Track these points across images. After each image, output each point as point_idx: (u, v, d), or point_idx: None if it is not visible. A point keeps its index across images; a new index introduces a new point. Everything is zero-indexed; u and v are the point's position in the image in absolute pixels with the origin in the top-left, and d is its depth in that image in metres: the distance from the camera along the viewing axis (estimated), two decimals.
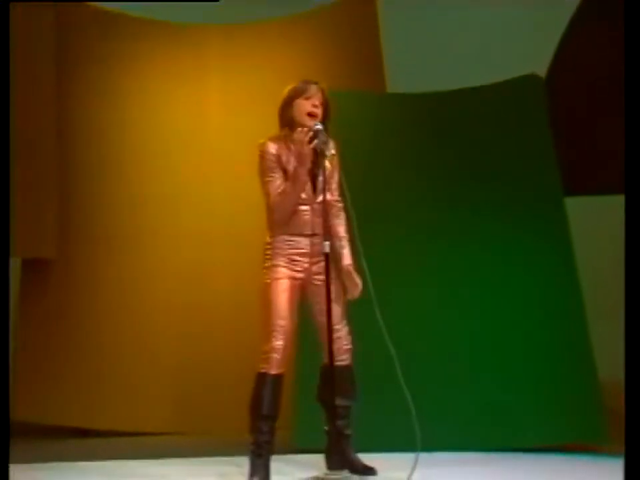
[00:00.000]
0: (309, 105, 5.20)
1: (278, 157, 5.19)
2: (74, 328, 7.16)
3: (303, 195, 5.20)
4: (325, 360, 5.28)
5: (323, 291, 5.13)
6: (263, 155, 5.21)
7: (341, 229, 5.31)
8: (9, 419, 3.94)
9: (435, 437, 5.45)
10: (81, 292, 7.23)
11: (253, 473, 5.12)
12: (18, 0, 6.08)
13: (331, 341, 5.08)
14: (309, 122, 5.17)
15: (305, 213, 5.22)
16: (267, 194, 5.20)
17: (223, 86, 7.57)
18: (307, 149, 5.09)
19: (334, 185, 5.31)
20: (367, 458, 5.39)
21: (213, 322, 7.18)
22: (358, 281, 5.20)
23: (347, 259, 5.26)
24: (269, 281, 5.19)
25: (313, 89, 5.23)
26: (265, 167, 5.20)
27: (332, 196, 5.30)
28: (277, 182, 5.16)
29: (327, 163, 5.17)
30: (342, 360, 5.27)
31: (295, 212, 5.20)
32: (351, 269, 5.23)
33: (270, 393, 5.13)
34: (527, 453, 5.84)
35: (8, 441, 3.87)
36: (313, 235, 5.23)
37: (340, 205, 5.34)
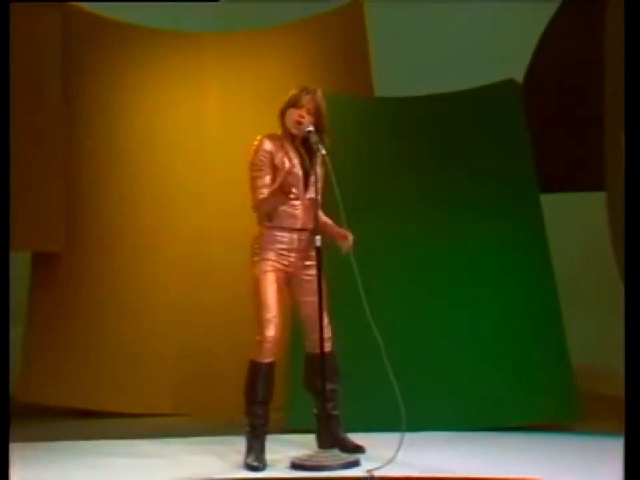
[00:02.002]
0: (296, 114, 5.23)
1: (270, 154, 5.21)
2: (80, 316, 7.18)
3: (295, 191, 5.21)
4: (308, 350, 5.32)
5: (309, 285, 5.20)
6: (257, 149, 5.24)
7: (323, 216, 5.31)
8: (9, 401, 3.92)
9: (420, 418, 5.48)
10: (86, 283, 7.24)
11: (249, 452, 5.17)
12: (18, 0, 6.02)
13: (321, 330, 5.11)
14: (294, 129, 5.22)
15: (296, 207, 5.24)
16: (253, 188, 5.23)
17: (220, 91, 7.56)
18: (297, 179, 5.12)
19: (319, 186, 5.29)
20: (356, 437, 5.43)
21: (211, 312, 7.18)
22: (346, 232, 5.20)
23: (331, 224, 5.29)
24: (257, 273, 5.22)
25: (305, 98, 5.25)
26: (255, 161, 5.23)
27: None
28: (265, 179, 5.19)
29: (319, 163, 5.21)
30: (325, 347, 5.25)
31: (287, 206, 5.21)
32: (335, 226, 5.25)
33: (263, 380, 5.16)
34: (505, 432, 5.86)
35: (8, 422, 3.84)
36: (302, 230, 5.23)
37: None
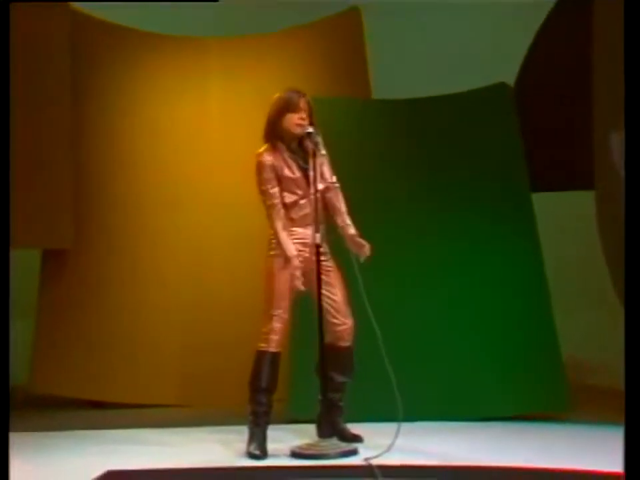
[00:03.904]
0: (297, 117, 5.25)
1: (273, 167, 5.24)
2: (88, 311, 7.18)
3: (299, 191, 5.26)
4: (329, 340, 5.27)
5: (325, 277, 5.18)
6: (259, 166, 5.26)
7: (340, 205, 5.35)
8: (9, 391, 3.92)
9: (416, 409, 5.45)
10: (94, 278, 7.25)
11: (251, 441, 5.18)
12: (18, 0, 6.00)
13: (320, 324, 5.13)
14: (297, 130, 5.24)
15: (305, 206, 5.27)
16: (265, 202, 5.25)
17: (222, 93, 7.57)
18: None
19: (327, 172, 5.34)
20: (354, 427, 5.44)
21: (215, 306, 7.20)
22: (364, 242, 5.25)
23: (350, 229, 5.30)
24: (271, 267, 5.23)
25: (301, 102, 5.27)
26: (261, 178, 5.25)
27: (328, 180, 5.33)
28: (274, 191, 5.22)
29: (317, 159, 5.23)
30: (346, 341, 5.33)
31: (296, 207, 5.25)
32: (356, 237, 5.27)
33: (268, 369, 5.18)
34: (498, 422, 5.88)
35: (8, 411, 3.84)
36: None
37: (336, 185, 5.38)
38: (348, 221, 5.34)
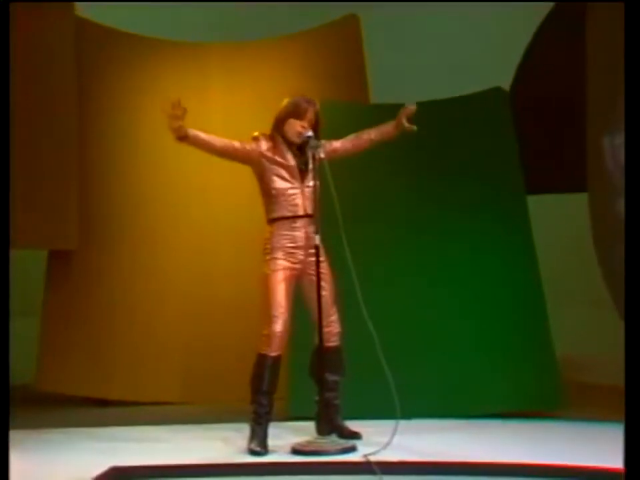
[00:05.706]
0: (299, 124, 5.26)
1: (259, 149, 5.27)
2: (92, 310, 7.19)
3: (289, 178, 5.27)
4: (317, 341, 5.28)
5: (314, 280, 5.16)
6: (253, 139, 5.31)
7: (359, 133, 5.49)
8: (9, 389, 3.91)
9: (413, 406, 5.49)
10: (98, 278, 7.26)
11: (252, 438, 5.19)
12: (18, 0, 5.98)
13: (320, 324, 5.14)
14: (296, 139, 5.25)
15: (295, 196, 5.26)
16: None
17: (223, 98, 7.58)
18: None
19: (334, 143, 5.41)
20: (353, 424, 5.44)
21: (217, 306, 7.21)
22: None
23: (390, 124, 5.44)
24: (268, 272, 5.23)
25: (309, 111, 5.28)
26: (244, 141, 5.30)
27: (338, 144, 5.44)
28: (234, 143, 5.29)
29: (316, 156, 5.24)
30: (333, 341, 5.34)
31: (286, 196, 5.24)
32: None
33: (269, 371, 5.17)
34: (493, 419, 5.88)
35: (8, 409, 3.83)
36: (306, 216, 5.24)
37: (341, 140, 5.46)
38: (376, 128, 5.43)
